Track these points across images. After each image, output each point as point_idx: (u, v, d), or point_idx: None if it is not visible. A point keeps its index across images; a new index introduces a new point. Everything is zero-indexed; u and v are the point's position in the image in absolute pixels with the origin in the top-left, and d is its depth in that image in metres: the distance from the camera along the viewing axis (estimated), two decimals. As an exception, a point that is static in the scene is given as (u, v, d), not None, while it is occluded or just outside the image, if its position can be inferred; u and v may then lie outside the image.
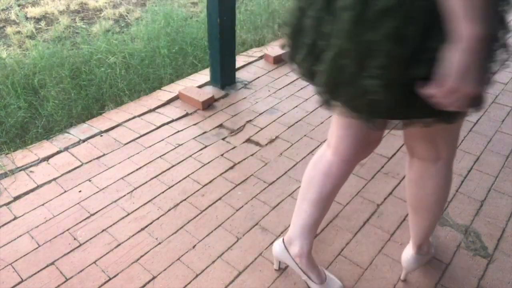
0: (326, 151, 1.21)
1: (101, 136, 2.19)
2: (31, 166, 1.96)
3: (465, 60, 0.73)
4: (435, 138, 1.10)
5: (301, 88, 2.66)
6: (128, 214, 1.71)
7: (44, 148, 2.09)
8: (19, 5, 4.33)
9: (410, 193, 1.26)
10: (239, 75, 2.80)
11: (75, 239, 1.60)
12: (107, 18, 4.05)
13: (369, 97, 0.86)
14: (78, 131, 2.22)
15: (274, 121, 2.33)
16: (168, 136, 2.19)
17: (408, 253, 1.39)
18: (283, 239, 1.36)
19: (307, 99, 2.54)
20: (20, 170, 1.94)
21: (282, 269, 1.48)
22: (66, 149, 2.09)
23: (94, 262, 1.51)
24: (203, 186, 1.86)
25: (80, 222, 1.67)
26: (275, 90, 2.64)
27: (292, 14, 0.98)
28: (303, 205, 1.27)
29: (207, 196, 1.81)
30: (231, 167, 1.98)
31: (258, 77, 2.79)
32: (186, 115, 2.38)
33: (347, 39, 0.83)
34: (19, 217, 1.69)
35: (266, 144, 2.14)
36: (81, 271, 1.48)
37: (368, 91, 0.85)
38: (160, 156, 2.05)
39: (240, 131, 2.24)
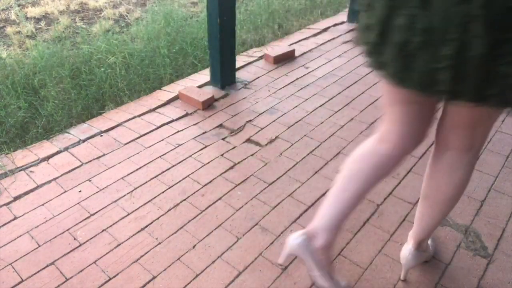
0: (378, 145, 1.21)
1: (101, 136, 2.19)
2: (31, 166, 1.96)
3: None
4: (477, 126, 1.13)
5: (301, 88, 2.66)
6: (128, 214, 1.71)
7: (44, 148, 2.09)
8: (19, 5, 4.33)
9: (432, 185, 1.26)
10: (239, 75, 2.80)
11: (75, 239, 1.60)
12: (107, 18, 4.05)
13: (505, 83, 0.88)
14: (78, 131, 2.22)
15: (274, 121, 2.33)
16: (168, 136, 2.19)
17: (406, 250, 1.39)
18: (304, 232, 1.34)
19: (307, 99, 2.54)
20: (20, 170, 1.94)
21: (282, 269, 1.48)
22: (66, 149, 2.09)
23: (94, 262, 1.51)
24: (203, 186, 1.86)
25: (80, 222, 1.67)
26: (275, 90, 2.64)
27: (380, 15, 0.98)
28: (340, 197, 1.26)
29: (207, 196, 1.81)
30: (231, 167, 1.98)
31: (258, 77, 2.79)
32: (186, 115, 2.38)
33: (473, 33, 0.85)
34: (19, 217, 1.69)
35: (266, 144, 2.14)
36: (81, 271, 1.48)
37: (505, 77, 0.87)
38: (160, 156, 2.05)
39: (240, 131, 2.24)
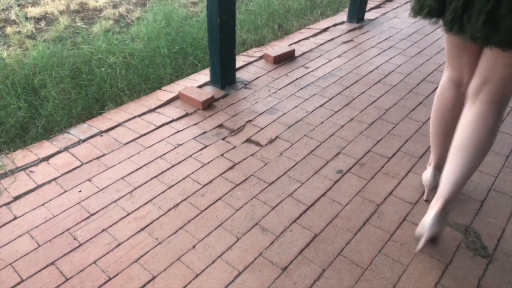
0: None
1: (101, 136, 2.19)
2: (31, 166, 1.96)
3: None
4: (506, 82, 1.34)
5: (301, 88, 2.66)
6: (128, 214, 1.71)
7: (44, 148, 2.09)
8: (19, 5, 4.33)
9: (465, 135, 1.39)
10: (239, 75, 2.80)
11: (75, 239, 1.60)
12: (107, 18, 4.05)
13: None
14: (78, 131, 2.22)
15: (274, 121, 2.33)
16: (168, 136, 2.19)
17: (430, 216, 1.41)
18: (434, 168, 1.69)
19: (307, 99, 2.54)
20: (20, 170, 1.94)
21: (282, 269, 1.48)
22: (66, 149, 2.09)
23: (94, 262, 1.51)
24: (203, 186, 1.86)
25: (80, 222, 1.67)
26: (275, 90, 2.64)
27: None
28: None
29: (207, 196, 1.81)
30: (231, 167, 1.98)
31: (258, 77, 2.79)
32: (186, 115, 2.38)
33: None
34: (19, 217, 1.69)
35: (266, 144, 2.14)
36: (81, 271, 1.48)
37: None
38: (160, 156, 2.05)
39: (240, 131, 2.24)
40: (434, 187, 1.75)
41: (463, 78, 1.52)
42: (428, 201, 1.77)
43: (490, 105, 1.37)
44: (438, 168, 1.73)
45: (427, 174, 1.76)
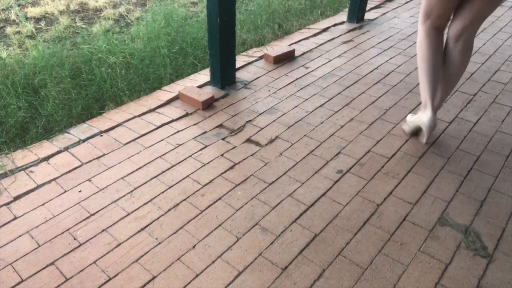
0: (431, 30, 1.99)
1: (101, 136, 2.19)
2: (31, 166, 1.96)
3: None
4: (476, 24, 1.88)
5: (301, 88, 2.66)
6: (128, 214, 1.71)
7: (44, 148, 2.09)
8: (19, 5, 4.33)
9: (455, 62, 1.96)
10: (239, 75, 2.80)
11: (75, 239, 1.60)
12: (107, 18, 4.05)
13: None
14: (78, 131, 2.22)
15: (274, 121, 2.33)
16: (168, 136, 2.19)
17: (427, 116, 1.98)
18: (434, 113, 1.98)
19: (307, 99, 2.54)
20: (20, 170, 1.94)
21: (282, 269, 1.48)
22: (66, 149, 2.09)
23: (94, 262, 1.51)
24: (203, 186, 1.86)
25: (80, 222, 1.67)
26: (275, 90, 2.64)
27: None
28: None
29: (207, 196, 1.81)
30: (231, 167, 1.98)
31: (258, 77, 2.79)
32: (186, 115, 2.38)
33: None
34: (19, 217, 1.70)
35: (266, 144, 2.14)
36: (81, 271, 1.48)
37: None
38: (160, 156, 2.05)
39: (240, 131, 2.24)
40: (434, 129, 2.04)
41: (444, 25, 1.97)
42: (427, 144, 2.09)
43: (470, 42, 1.93)
44: (435, 110, 2.02)
45: (426, 117, 2.00)
